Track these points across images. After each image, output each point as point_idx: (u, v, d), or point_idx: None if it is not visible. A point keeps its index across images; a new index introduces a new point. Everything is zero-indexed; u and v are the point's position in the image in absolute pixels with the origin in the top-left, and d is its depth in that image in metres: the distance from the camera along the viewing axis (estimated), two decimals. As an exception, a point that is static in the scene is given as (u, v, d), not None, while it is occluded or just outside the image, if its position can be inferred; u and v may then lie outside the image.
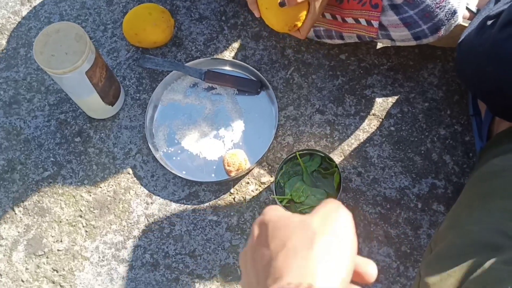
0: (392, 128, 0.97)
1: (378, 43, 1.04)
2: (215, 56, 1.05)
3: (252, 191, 0.94)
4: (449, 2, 0.82)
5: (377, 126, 0.97)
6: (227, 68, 1.03)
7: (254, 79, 1.01)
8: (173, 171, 0.93)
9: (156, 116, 1.00)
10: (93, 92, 0.91)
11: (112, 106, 0.98)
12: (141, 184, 0.95)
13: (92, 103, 0.94)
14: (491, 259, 0.52)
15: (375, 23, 0.88)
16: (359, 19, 0.90)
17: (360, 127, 0.97)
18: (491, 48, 0.74)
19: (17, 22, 1.11)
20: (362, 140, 0.96)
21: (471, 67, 0.80)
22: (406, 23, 0.85)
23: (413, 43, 0.88)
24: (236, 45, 1.06)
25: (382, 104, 0.99)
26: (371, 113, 0.98)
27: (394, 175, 0.93)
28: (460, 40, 0.82)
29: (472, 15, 0.97)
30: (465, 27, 0.89)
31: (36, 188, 0.96)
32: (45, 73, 1.06)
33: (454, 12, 0.83)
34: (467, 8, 0.96)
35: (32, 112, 1.02)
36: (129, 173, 0.96)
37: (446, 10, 0.82)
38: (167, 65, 1.02)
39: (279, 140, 0.97)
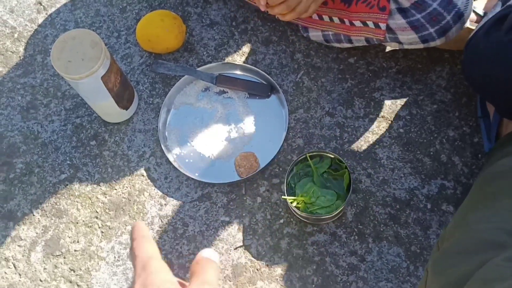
0: (401, 130, 0.98)
1: (387, 47, 1.05)
2: (226, 61, 1.07)
3: (263, 192, 0.95)
4: (456, 5, 0.84)
5: (386, 128, 0.99)
6: (238, 72, 1.05)
7: (264, 83, 1.03)
8: (186, 173, 0.95)
9: (169, 120, 1.02)
10: (108, 96, 0.93)
11: (126, 110, 1.00)
12: (155, 186, 0.97)
13: (107, 107, 0.97)
14: (496, 256, 0.53)
15: (383, 26, 0.89)
16: (367, 21, 0.92)
17: (370, 129, 0.99)
18: (497, 50, 0.76)
19: (33, 30, 1.15)
20: (371, 142, 0.97)
21: (478, 69, 0.81)
22: (414, 26, 0.86)
23: (420, 46, 0.89)
24: (246, 49, 1.08)
25: (391, 107, 1.00)
26: (380, 115, 1.00)
27: (404, 176, 0.94)
28: (467, 42, 0.84)
29: (479, 18, 0.99)
30: (472, 30, 0.90)
31: (53, 190, 0.98)
32: (61, 79, 1.08)
33: (461, 15, 0.85)
34: (474, 11, 0.98)
35: (49, 116, 1.05)
36: (143, 175, 0.98)
37: (453, 14, 0.84)
38: (179, 70, 1.04)
39: (290, 142, 0.99)
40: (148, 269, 0.38)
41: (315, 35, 1.04)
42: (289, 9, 0.89)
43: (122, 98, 0.97)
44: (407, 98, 1.01)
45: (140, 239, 0.41)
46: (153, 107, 1.04)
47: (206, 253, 0.42)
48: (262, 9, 0.91)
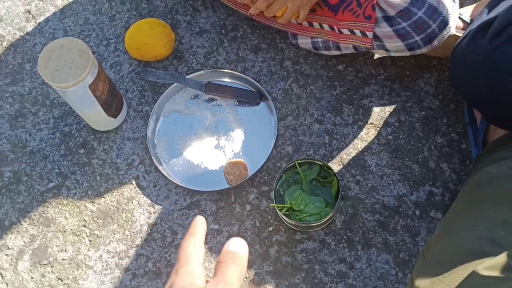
0: (390, 137, 0.98)
1: (375, 54, 1.06)
2: (215, 69, 1.07)
3: (252, 200, 0.95)
4: (441, 14, 0.84)
5: (375, 135, 0.99)
6: (227, 79, 1.06)
7: (253, 90, 1.03)
8: (175, 181, 0.95)
9: (158, 128, 1.02)
10: (96, 104, 0.93)
11: (115, 118, 1.00)
12: (144, 194, 0.96)
13: (95, 115, 0.96)
14: (478, 265, 0.53)
15: (369, 34, 0.90)
16: (354, 30, 0.92)
17: (358, 136, 0.99)
18: (483, 57, 0.76)
19: (22, 38, 1.14)
20: (360, 149, 0.98)
21: (464, 76, 0.81)
22: (400, 34, 0.87)
23: (407, 53, 0.90)
24: (235, 57, 1.09)
25: (380, 114, 1.01)
26: (368, 122, 1.00)
27: (392, 183, 0.94)
28: (453, 50, 0.84)
29: (466, 25, 0.99)
30: (459, 37, 0.91)
31: (41, 199, 0.98)
32: (49, 87, 1.08)
33: (446, 23, 0.85)
34: (461, 18, 0.99)
35: (37, 125, 1.05)
36: (132, 184, 0.98)
37: (438, 22, 0.84)
38: (168, 77, 1.04)
39: (279, 150, 0.99)
40: (180, 271, 0.38)
41: (304, 42, 1.04)
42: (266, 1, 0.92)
43: (111, 106, 0.97)
44: (396, 105, 1.01)
45: (188, 238, 0.40)
46: (142, 115, 1.04)
47: (232, 246, 0.40)
48: (252, 11, 0.93)
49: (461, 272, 0.52)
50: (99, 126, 1.01)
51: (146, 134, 1.01)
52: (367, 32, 0.90)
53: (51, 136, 1.03)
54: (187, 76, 1.05)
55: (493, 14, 0.83)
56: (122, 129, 1.03)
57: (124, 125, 1.03)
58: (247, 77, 1.04)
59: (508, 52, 0.74)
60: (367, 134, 0.99)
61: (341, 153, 0.98)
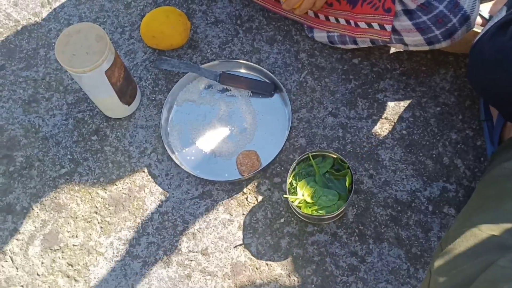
0: (404, 132, 0.98)
1: (391, 48, 1.05)
2: (230, 59, 1.07)
3: (264, 191, 0.95)
4: (462, 8, 0.83)
5: (389, 129, 0.98)
6: (242, 70, 1.05)
7: (268, 81, 1.03)
8: (187, 170, 0.95)
9: (171, 117, 1.02)
10: (111, 91, 0.93)
11: (129, 106, 1.00)
12: (156, 183, 0.96)
13: (109, 102, 0.96)
14: (501, 258, 0.53)
15: (388, 27, 0.89)
16: (372, 23, 0.91)
17: (372, 130, 0.98)
18: (502, 55, 0.76)
19: (37, 24, 1.14)
20: (374, 143, 0.97)
21: (482, 73, 0.81)
22: (420, 28, 0.86)
23: (426, 48, 0.89)
24: (250, 48, 1.08)
25: (394, 108, 1.00)
26: (383, 117, 0.99)
27: (406, 178, 0.94)
28: (472, 46, 0.84)
29: (485, 21, 0.98)
30: (477, 33, 0.90)
31: (53, 185, 0.98)
32: (64, 73, 1.08)
33: (467, 18, 0.84)
34: (480, 15, 0.98)
35: (51, 110, 1.05)
36: (144, 172, 0.98)
37: (459, 16, 0.84)
38: (183, 66, 1.04)
39: (292, 142, 0.98)
40: None
41: (320, 36, 1.03)
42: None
43: (125, 93, 0.97)
44: (411, 100, 1.01)
45: None
46: (156, 103, 1.04)
47: None
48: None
49: (483, 264, 0.52)
50: (113, 114, 1.01)
51: (160, 122, 1.00)
52: (385, 25, 0.89)
53: (64, 122, 1.03)
54: (202, 66, 1.04)
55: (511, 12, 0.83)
56: (135, 117, 1.03)
57: (138, 113, 1.03)
58: (261, 68, 1.03)
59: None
60: (381, 129, 0.98)
61: (355, 146, 0.97)
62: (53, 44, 1.12)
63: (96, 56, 0.86)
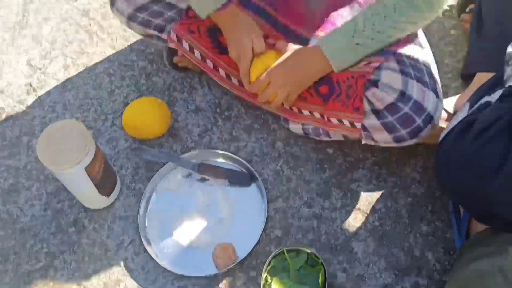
0: (377, 223, 1.00)
1: (363, 140, 1.09)
2: (209, 148, 1.10)
3: (240, 286, 0.95)
4: (426, 110, 0.88)
5: (362, 220, 1.01)
6: (220, 160, 1.08)
7: (245, 171, 1.06)
8: (162, 265, 0.96)
9: (150, 207, 1.04)
10: (90, 185, 0.95)
11: (108, 197, 1.02)
12: (132, 277, 0.97)
13: (88, 194, 0.98)
14: None
15: (358, 125, 0.93)
16: (343, 120, 0.96)
17: (346, 221, 1.01)
18: (465, 159, 0.79)
19: (22, 111, 1.17)
20: (347, 235, 0.99)
21: (447, 174, 0.84)
22: (387, 127, 0.90)
23: (394, 145, 0.93)
24: (229, 136, 1.12)
25: (367, 198, 1.03)
26: (356, 207, 1.02)
27: (378, 272, 0.95)
28: (438, 146, 0.88)
29: (451, 116, 1.04)
30: (443, 128, 0.95)
31: (27, 280, 0.97)
32: (45, 161, 1.10)
33: (431, 118, 0.89)
34: (445, 109, 1.03)
35: (30, 200, 1.06)
36: (120, 265, 0.98)
37: (423, 117, 0.88)
38: (163, 157, 1.07)
39: (268, 233, 1.00)
40: None
41: (295, 127, 1.08)
42: (256, 88, 0.99)
43: (104, 185, 0.99)
44: (383, 190, 1.04)
45: None
46: (135, 192, 1.06)
47: None
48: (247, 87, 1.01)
49: None
50: (92, 205, 1.03)
51: (138, 213, 1.02)
52: (355, 123, 0.94)
53: (43, 212, 1.04)
54: (181, 156, 1.07)
55: (474, 110, 0.87)
56: (114, 206, 1.04)
57: (117, 202, 1.05)
58: (239, 158, 1.06)
59: (489, 153, 0.78)
60: (355, 220, 1.01)
61: (329, 238, 0.99)
62: (36, 132, 1.14)
63: (77, 154, 0.89)
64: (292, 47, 1.00)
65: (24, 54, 1.28)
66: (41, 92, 1.20)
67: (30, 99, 1.19)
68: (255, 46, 0.98)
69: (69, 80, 1.23)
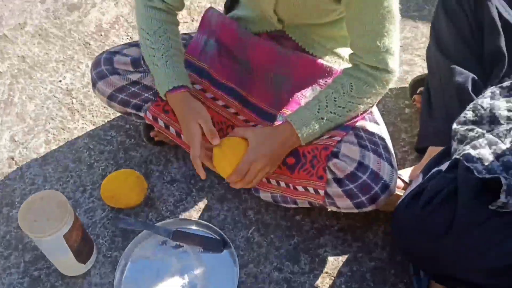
0: (343, 286, 1.06)
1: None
2: (183, 216, 1.16)
3: None
4: (382, 178, 0.98)
5: (330, 284, 1.06)
6: (194, 227, 1.14)
7: (218, 238, 1.12)
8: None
9: (125, 274, 1.07)
10: (68, 252, 0.99)
11: (85, 264, 1.05)
12: None
13: (66, 262, 1.01)
14: None
15: (321, 192, 1.01)
16: (308, 187, 1.04)
17: (314, 285, 1.06)
18: (416, 224, 0.88)
19: (3, 183, 1.22)
20: (316, 298, 1.04)
21: (402, 239, 0.92)
22: (348, 194, 0.99)
23: (355, 211, 1.01)
24: (202, 205, 1.18)
25: (334, 263, 1.09)
26: (324, 271, 1.08)
27: (346, 333, 0.99)
28: (393, 213, 0.96)
29: (406, 185, 1.13)
30: (400, 196, 1.04)
31: None
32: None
33: (387, 186, 0.98)
34: (401, 179, 1.13)
35: (8, 269, 1.08)
36: (95, 332, 0.99)
37: (380, 185, 0.97)
38: (139, 225, 1.12)
39: (240, 297, 1.04)
40: None
41: (265, 196, 1.15)
42: (240, 177, 1.00)
43: (81, 253, 1.02)
44: (348, 255, 1.10)
45: None
46: (111, 260, 1.09)
47: None
48: (202, 177, 1.01)
49: None
50: (69, 272, 1.06)
51: (114, 280, 1.05)
52: (319, 190, 1.02)
53: (20, 281, 1.06)
54: (156, 224, 1.12)
55: (425, 180, 0.97)
56: (90, 274, 1.07)
57: (93, 270, 1.08)
58: (212, 225, 1.12)
59: (436, 219, 0.86)
60: (323, 283, 1.06)
61: (299, 301, 1.04)
62: (16, 203, 1.19)
63: (56, 222, 0.93)
64: (251, 130, 1.04)
65: (8, 130, 1.35)
66: (22, 166, 1.26)
67: (12, 172, 1.24)
68: (204, 130, 1.00)
69: (49, 154, 1.29)
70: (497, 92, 1.01)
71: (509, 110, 0.97)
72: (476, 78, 1.06)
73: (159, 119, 1.12)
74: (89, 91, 1.42)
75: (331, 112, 1.01)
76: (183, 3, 1.10)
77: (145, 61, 1.08)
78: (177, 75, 1.04)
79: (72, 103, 1.41)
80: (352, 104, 1.01)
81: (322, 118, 1.01)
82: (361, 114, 1.05)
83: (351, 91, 1.00)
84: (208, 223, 1.13)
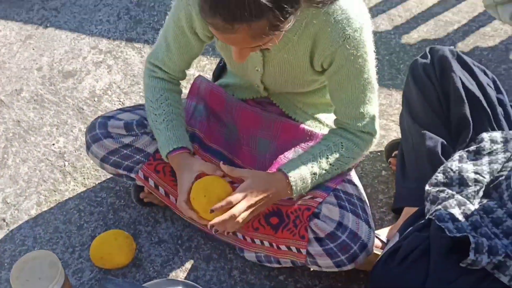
0: None
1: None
2: (170, 277, 1.18)
3: None
4: (360, 238, 1.03)
5: None
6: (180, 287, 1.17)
7: (203, 298, 1.14)
8: None
9: (111, 335, 1.08)
10: (56, 312, 1.01)
11: (72, 325, 1.06)
12: None
13: (53, 322, 1.03)
14: None
15: (303, 251, 1.06)
16: (291, 246, 1.08)
17: None
18: (392, 281, 0.93)
19: (-7, 244, 1.25)
20: None
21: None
22: (328, 253, 1.03)
23: (336, 269, 1.06)
24: (189, 265, 1.21)
25: (317, 322, 1.12)
26: (307, 331, 1.10)
27: None
28: (371, 271, 1.01)
29: (384, 244, 1.18)
30: (378, 255, 1.09)
31: None
32: (12, 292, 1.15)
33: (365, 246, 1.03)
34: (379, 239, 1.18)
35: (-6, 331, 1.09)
36: None
37: (358, 244, 1.02)
38: (126, 286, 1.13)
39: None
40: None
41: (249, 255, 1.19)
42: (229, 205, 1.00)
43: (69, 313, 1.04)
44: (331, 314, 1.13)
45: None
46: (98, 321, 1.11)
47: None
48: (192, 216, 1.04)
49: None
50: (55, 333, 1.07)
51: None
52: (301, 249, 1.07)
53: None
54: (144, 284, 1.15)
55: (401, 239, 1.02)
56: (76, 336, 1.08)
57: (79, 331, 1.09)
58: (198, 286, 1.15)
59: (411, 275, 0.92)
60: None
61: None
62: (6, 265, 1.21)
63: (47, 282, 0.96)
64: (248, 169, 1.10)
65: (0, 192, 1.39)
66: (13, 227, 1.29)
67: (2, 234, 1.27)
68: (206, 169, 1.05)
69: (40, 215, 1.33)
70: (465, 155, 1.09)
71: (475, 173, 1.05)
72: (445, 142, 1.14)
73: (150, 179, 1.18)
74: (81, 154, 1.47)
75: (322, 169, 1.06)
76: (185, 73, 1.19)
77: (150, 126, 1.15)
78: (176, 138, 1.11)
79: (64, 165, 1.46)
80: (340, 163, 1.07)
81: (315, 174, 1.05)
82: (340, 176, 1.11)
83: (341, 149, 1.07)
84: (194, 284, 1.16)
